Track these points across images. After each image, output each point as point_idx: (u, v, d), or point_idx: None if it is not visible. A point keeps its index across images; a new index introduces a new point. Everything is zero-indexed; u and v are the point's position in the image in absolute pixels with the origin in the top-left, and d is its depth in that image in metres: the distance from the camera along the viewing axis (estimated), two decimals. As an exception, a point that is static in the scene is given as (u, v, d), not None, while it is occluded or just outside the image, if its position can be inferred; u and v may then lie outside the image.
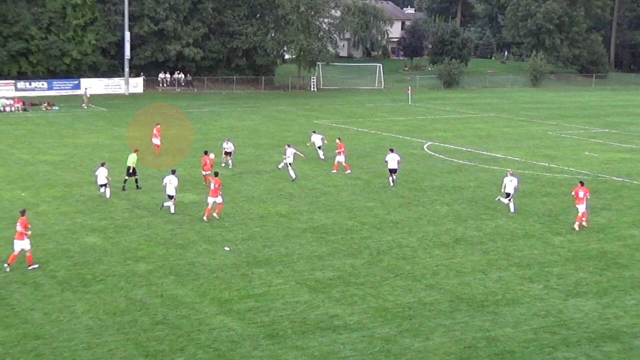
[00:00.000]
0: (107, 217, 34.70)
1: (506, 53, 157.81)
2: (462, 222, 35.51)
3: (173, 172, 36.11)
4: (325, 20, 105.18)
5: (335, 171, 46.22)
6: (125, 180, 40.24)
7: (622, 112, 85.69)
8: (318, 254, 30.20)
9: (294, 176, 43.72)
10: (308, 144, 51.37)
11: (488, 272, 28.50)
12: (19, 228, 27.63)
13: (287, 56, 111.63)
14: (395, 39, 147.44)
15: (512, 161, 51.41)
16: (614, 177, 46.27)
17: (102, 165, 38.85)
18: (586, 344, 22.33)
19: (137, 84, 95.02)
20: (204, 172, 41.77)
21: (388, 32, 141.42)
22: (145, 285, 26.23)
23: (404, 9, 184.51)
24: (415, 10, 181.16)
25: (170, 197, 35.56)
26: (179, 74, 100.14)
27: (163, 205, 36.01)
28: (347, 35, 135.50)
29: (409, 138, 60.42)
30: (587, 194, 34.98)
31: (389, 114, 79.46)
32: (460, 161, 51.13)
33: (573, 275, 28.29)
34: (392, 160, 42.79)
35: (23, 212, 28.38)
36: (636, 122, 76.06)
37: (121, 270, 27.69)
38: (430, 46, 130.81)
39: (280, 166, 45.00)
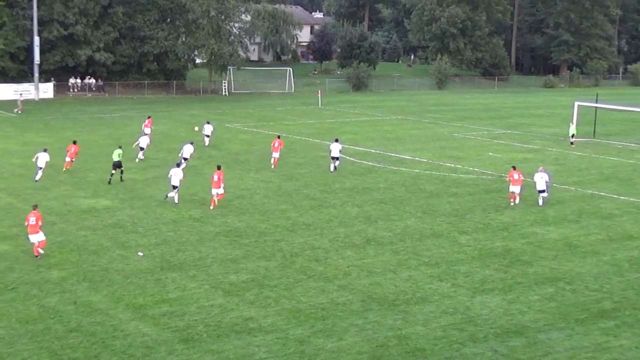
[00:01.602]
0: (18, 225, 34.05)
1: (412, 56, 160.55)
2: (372, 222, 36.20)
3: (178, 165, 39.86)
4: (236, 24, 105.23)
5: (274, 167, 49.13)
6: (112, 174, 43.54)
7: (523, 114, 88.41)
8: (232, 257, 30.41)
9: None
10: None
11: (398, 271, 29.16)
12: (32, 222, 29.55)
13: (198, 60, 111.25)
14: (305, 43, 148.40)
15: (420, 162, 52.57)
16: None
17: (44, 150, 44.34)
18: (493, 340, 23.07)
19: (47, 89, 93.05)
20: (67, 159, 46.27)
21: (297, 36, 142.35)
22: (58, 293, 26.02)
23: (313, 13, 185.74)
24: (323, 15, 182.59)
25: (175, 188, 38.51)
26: (89, 78, 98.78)
27: (167, 197, 38.83)
28: (258, 40, 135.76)
29: (319, 141, 61.00)
30: (521, 176, 40.90)
31: (300, 117, 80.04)
32: (370, 163, 52.00)
33: (479, 273, 29.19)
34: (335, 149, 48.44)
35: (35, 207, 30.68)
36: (536, 123, 78.61)
37: (33, 278, 27.37)
38: (339, 50, 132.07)
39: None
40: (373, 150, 57.16)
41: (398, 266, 29.79)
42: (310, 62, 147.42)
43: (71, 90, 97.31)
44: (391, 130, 69.92)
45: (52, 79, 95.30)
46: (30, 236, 29.82)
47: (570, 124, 65.12)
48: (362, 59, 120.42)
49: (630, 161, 55.62)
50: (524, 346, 22.74)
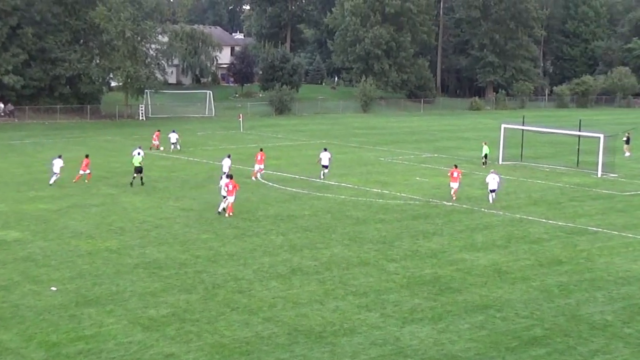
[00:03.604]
0: None
1: (336, 78, 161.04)
2: (297, 251, 35.53)
3: (228, 177, 43.25)
4: (153, 46, 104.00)
5: (254, 179, 53.88)
6: (134, 177, 50.10)
7: (450, 137, 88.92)
8: (151, 290, 29.40)
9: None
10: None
11: (325, 302, 28.54)
12: None
13: (113, 84, 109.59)
14: (225, 65, 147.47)
15: (346, 188, 52.11)
16: (445, 202, 47.49)
17: (59, 157, 50.35)
18: (423, 371, 22.61)
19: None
20: (80, 172, 50.93)
21: (217, 58, 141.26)
22: (-36, 332, 24.63)
23: (233, 34, 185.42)
24: (244, 36, 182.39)
25: (224, 197, 42.27)
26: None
27: (220, 208, 42.38)
28: (176, 62, 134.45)
29: (241, 167, 59.90)
30: (460, 174, 47.75)
31: (221, 142, 79.09)
32: (294, 189, 51.33)
33: (408, 302, 28.73)
34: (324, 158, 54.87)
35: None
36: (463, 146, 78.92)
37: (-63, 317, 25.94)
38: (260, 72, 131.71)
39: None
40: (297, 176, 56.53)
41: (325, 296, 29.15)
42: (231, 84, 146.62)
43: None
44: (316, 155, 69.20)
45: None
46: None
47: (483, 144, 65.76)
48: (285, 81, 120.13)
49: (558, 184, 55.96)
50: (456, 378, 22.29)
